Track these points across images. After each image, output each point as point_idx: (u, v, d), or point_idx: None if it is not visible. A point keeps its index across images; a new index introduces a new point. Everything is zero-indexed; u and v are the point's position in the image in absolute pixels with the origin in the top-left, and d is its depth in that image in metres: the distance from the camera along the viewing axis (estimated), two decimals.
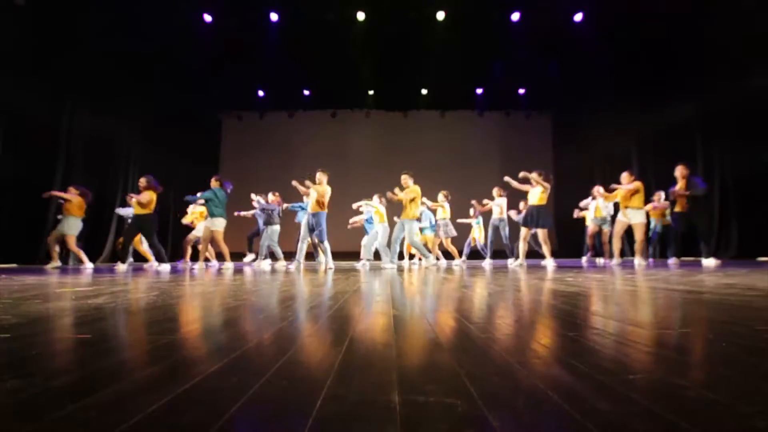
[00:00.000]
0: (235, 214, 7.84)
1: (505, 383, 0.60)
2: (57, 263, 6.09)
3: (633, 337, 0.91)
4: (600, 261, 7.20)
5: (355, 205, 7.74)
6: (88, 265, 6.05)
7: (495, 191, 7.66)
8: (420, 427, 0.45)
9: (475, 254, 8.79)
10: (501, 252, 8.11)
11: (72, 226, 6.13)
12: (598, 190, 7.03)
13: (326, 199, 5.76)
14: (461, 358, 0.73)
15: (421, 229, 7.81)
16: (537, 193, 5.94)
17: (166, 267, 5.55)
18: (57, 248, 6.18)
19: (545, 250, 5.98)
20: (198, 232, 7.43)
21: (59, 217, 6.30)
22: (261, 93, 11.68)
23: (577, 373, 0.63)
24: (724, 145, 7.27)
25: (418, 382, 0.60)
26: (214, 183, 6.26)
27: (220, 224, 6.11)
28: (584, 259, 7.63)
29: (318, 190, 5.69)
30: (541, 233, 6.03)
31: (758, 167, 6.50)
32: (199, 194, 6.34)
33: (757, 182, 6.61)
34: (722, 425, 0.45)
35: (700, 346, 0.83)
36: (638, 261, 5.72)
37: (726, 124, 7.15)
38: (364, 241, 6.87)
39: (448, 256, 8.33)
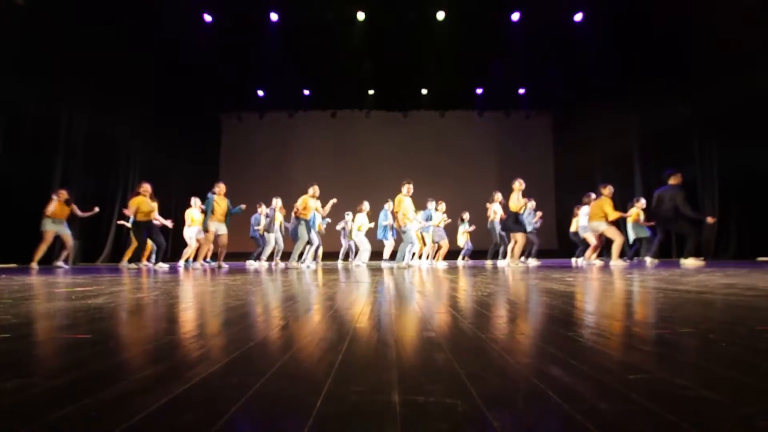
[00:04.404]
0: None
1: (505, 383, 0.60)
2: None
3: (633, 337, 0.91)
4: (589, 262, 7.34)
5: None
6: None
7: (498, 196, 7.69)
8: (420, 427, 0.45)
9: (454, 254, 9.22)
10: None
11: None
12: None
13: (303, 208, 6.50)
14: (461, 358, 0.73)
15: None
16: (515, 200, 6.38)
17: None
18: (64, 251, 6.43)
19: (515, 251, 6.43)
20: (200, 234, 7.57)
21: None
22: (261, 93, 11.68)
23: (577, 373, 0.63)
24: (724, 145, 7.27)
25: (418, 382, 0.60)
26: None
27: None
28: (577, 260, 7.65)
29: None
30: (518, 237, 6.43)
31: (758, 167, 6.51)
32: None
33: (757, 182, 6.61)
34: (722, 425, 0.45)
35: (701, 346, 0.83)
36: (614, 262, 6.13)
37: (725, 125, 7.15)
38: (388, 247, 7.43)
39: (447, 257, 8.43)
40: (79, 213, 6.50)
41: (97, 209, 6.80)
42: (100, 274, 4.25)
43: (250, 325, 1.12)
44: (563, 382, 0.59)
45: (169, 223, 6.79)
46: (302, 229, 6.25)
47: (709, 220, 5.68)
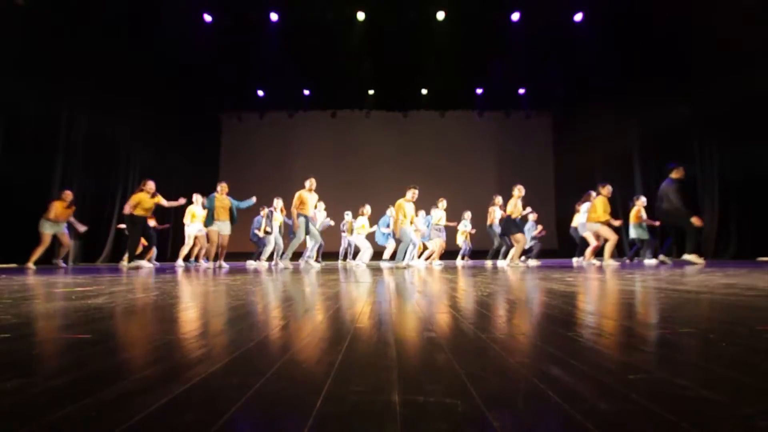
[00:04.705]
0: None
1: (505, 383, 0.60)
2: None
3: (633, 337, 0.91)
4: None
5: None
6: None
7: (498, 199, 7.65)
8: (420, 427, 0.45)
9: (452, 255, 9.21)
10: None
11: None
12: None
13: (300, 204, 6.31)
14: (461, 358, 0.73)
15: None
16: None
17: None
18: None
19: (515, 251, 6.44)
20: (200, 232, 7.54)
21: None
22: (261, 93, 11.68)
23: (577, 373, 0.63)
24: (724, 145, 7.28)
25: (418, 381, 0.60)
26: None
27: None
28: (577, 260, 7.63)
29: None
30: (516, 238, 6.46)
31: (758, 167, 6.52)
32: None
33: (757, 182, 6.61)
34: (722, 425, 0.45)
35: (701, 346, 0.83)
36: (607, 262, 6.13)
37: (725, 125, 7.15)
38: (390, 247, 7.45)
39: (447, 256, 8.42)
40: (73, 221, 6.48)
41: (84, 228, 6.69)
42: (100, 274, 4.25)
43: (250, 325, 1.12)
44: (563, 382, 0.59)
45: (181, 201, 6.65)
46: (301, 225, 6.12)
47: (695, 221, 5.59)
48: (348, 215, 8.97)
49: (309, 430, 0.45)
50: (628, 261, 6.93)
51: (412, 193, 6.07)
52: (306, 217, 6.16)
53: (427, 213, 7.92)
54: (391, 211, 7.46)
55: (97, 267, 6.91)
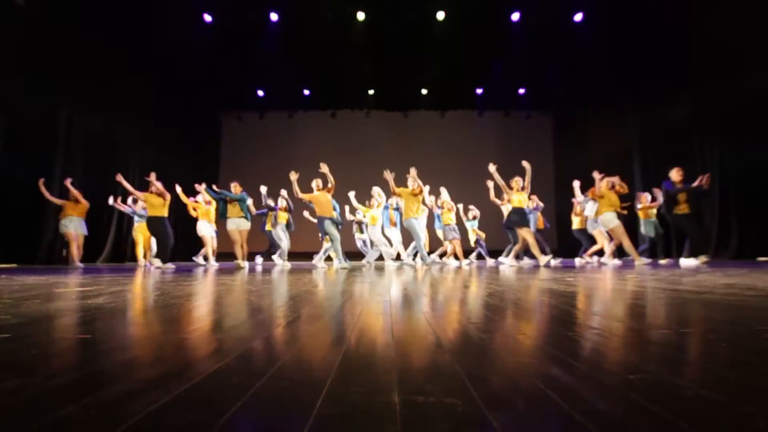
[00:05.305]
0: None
1: (505, 383, 0.60)
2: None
3: (633, 337, 0.91)
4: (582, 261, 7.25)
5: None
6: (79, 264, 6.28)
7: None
8: (420, 428, 0.45)
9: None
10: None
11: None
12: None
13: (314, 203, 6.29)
14: (461, 358, 0.73)
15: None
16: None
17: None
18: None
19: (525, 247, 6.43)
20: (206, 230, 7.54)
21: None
22: (261, 93, 11.68)
23: (577, 373, 0.63)
24: (724, 145, 7.27)
25: (418, 382, 0.60)
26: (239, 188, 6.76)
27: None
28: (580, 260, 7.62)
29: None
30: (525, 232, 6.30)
31: (758, 167, 6.52)
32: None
33: (757, 182, 6.61)
34: (722, 425, 0.45)
35: (700, 346, 0.83)
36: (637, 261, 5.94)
37: (725, 125, 7.15)
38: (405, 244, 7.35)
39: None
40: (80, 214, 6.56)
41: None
42: (101, 274, 4.25)
43: (250, 325, 1.12)
44: (563, 382, 0.59)
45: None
46: (329, 226, 5.99)
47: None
48: (359, 213, 8.63)
49: (309, 430, 0.45)
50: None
51: (412, 181, 6.12)
52: (327, 218, 6.05)
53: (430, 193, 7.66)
54: (391, 200, 7.40)
55: (98, 267, 6.91)
